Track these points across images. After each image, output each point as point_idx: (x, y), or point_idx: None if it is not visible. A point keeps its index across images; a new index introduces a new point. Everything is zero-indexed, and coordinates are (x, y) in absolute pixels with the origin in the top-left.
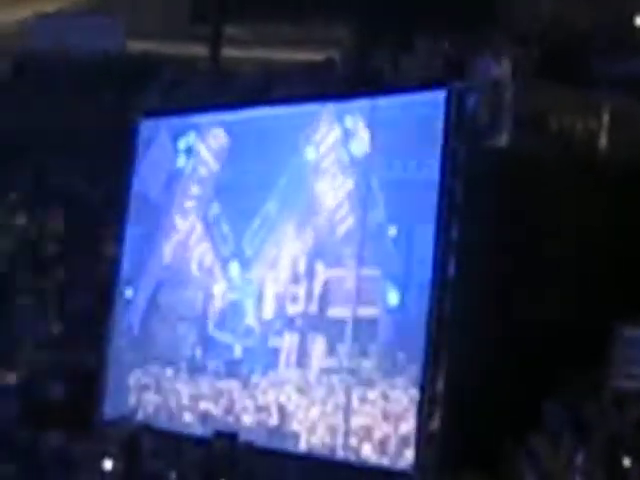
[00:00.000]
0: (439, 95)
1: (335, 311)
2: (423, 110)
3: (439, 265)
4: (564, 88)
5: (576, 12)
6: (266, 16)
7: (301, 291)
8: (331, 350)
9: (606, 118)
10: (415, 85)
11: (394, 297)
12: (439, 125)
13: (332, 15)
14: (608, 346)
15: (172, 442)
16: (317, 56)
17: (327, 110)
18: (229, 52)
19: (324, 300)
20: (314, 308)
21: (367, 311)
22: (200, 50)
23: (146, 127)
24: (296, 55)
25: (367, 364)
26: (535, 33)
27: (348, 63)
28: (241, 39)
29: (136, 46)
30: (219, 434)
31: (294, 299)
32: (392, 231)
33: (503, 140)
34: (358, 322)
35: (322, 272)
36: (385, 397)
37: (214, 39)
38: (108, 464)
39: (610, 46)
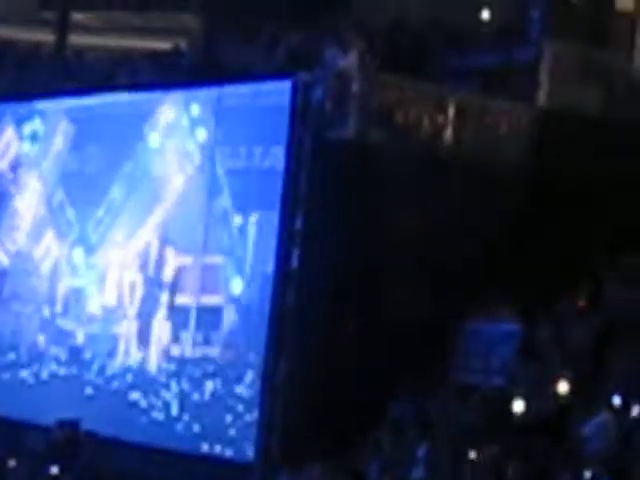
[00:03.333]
0: (285, 85)
1: (180, 299)
2: (269, 100)
3: (282, 256)
4: (410, 81)
5: (421, 6)
6: (113, 3)
7: (147, 278)
8: (175, 338)
9: (452, 111)
10: (261, 75)
11: (238, 286)
12: (285, 115)
13: (179, 4)
14: (450, 341)
15: (13, 430)
16: (164, 44)
17: (173, 97)
18: (76, 39)
19: (172, 287)
20: (162, 294)
21: (211, 299)
22: (47, 36)
23: None
24: (143, 43)
25: (211, 352)
26: (380, 27)
27: (195, 52)
28: (88, 26)
29: None
30: (61, 422)
31: (140, 286)
32: (237, 219)
33: (349, 132)
34: (202, 310)
35: (170, 259)
36: (228, 386)
37: (61, 25)
38: None
39: (456, 40)
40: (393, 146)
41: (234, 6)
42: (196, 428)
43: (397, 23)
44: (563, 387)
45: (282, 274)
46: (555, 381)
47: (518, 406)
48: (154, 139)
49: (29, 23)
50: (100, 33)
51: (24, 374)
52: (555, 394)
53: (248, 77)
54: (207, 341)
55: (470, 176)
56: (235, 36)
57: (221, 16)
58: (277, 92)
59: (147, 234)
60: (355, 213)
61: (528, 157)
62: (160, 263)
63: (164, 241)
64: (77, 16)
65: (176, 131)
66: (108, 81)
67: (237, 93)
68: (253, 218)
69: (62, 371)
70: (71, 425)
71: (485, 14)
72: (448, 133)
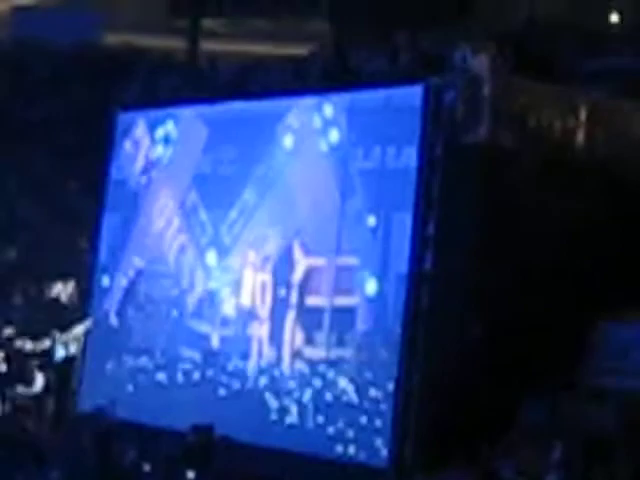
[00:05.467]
0: (417, 89)
1: (313, 300)
2: (402, 100)
3: (415, 258)
4: (542, 85)
5: (552, 9)
6: (244, 10)
7: (279, 279)
8: (309, 339)
9: (583, 115)
10: (392, 80)
11: (372, 287)
12: (418, 115)
13: (310, 10)
14: (584, 342)
15: (148, 434)
16: (295, 50)
17: (305, 99)
18: (207, 46)
19: (302, 288)
20: (293, 296)
21: (345, 300)
22: (178, 43)
23: (124, 117)
24: (273, 49)
25: (345, 354)
26: (511, 30)
27: (326, 57)
28: (219, 33)
29: (115, 38)
30: (195, 427)
31: (272, 288)
32: (370, 220)
33: (481, 135)
34: (336, 311)
35: (301, 260)
36: (362, 388)
37: (192, 32)
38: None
39: (587, 43)
40: (525, 150)
41: (364, 11)
42: (330, 430)
43: (528, 26)
44: None
45: (416, 276)
46: None
47: None
48: (287, 141)
49: (160, 31)
50: (231, 40)
51: (158, 377)
52: None
53: (379, 82)
54: (341, 342)
55: (603, 179)
56: (365, 41)
57: (351, 21)
58: (408, 96)
59: (280, 235)
60: (487, 216)
61: None
62: (293, 265)
63: (297, 242)
64: (208, 23)
65: (309, 132)
66: (240, 87)
67: (369, 95)
68: (386, 219)
69: (196, 374)
70: (206, 430)
71: (615, 16)
72: (580, 137)
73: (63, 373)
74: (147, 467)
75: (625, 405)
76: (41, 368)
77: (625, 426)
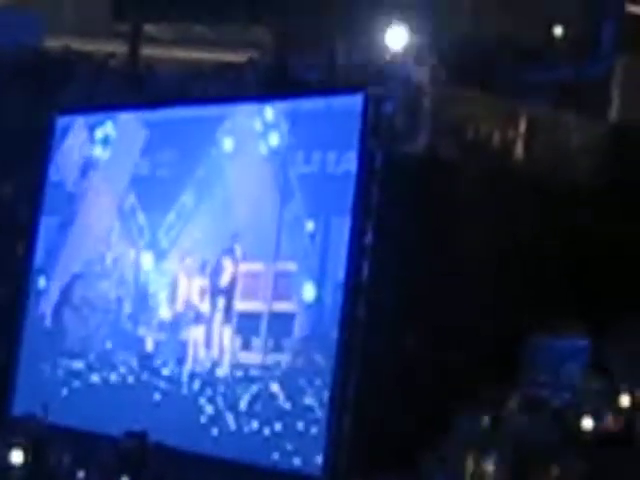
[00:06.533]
0: (357, 99)
1: (251, 305)
2: (343, 105)
3: (353, 267)
4: (482, 96)
5: (493, 22)
6: (186, 16)
7: (217, 284)
8: (246, 345)
9: (522, 127)
10: (333, 89)
11: (310, 292)
12: (358, 120)
13: (252, 17)
14: (519, 356)
15: (82, 440)
16: (236, 57)
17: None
18: (148, 51)
19: (240, 294)
20: (230, 301)
21: (283, 306)
22: (120, 48)
23: (62, 119)
24: (215, 56)
25: (282, 359)
26: (452, 42)
27: (267, 65)
28: (160, 38)
29: (56, 42)
30: (129, 433)
31: (209, 292)
32: (309, 225)
33: (420, 146)
34: (273, 317)
35: (236, 265)
36: (298, 394)
37: (133, 37)
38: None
39: (527, 55)
40: (463, 161)
41: (307, 19)
42: (265, 437)
43: (469, 37)
44: (625, 401)
45: (353, 285)
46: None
47: (587, 423)
48: (227, 144)
49: (102, 35)
50: (172, 45)
51: (93, 380)
52: (620, 409)
53: (319, 91)
54: (278, 348)
55: (540, 191)
56: (306, 49)
57: (293, 29)
58: (349, 104)
59: (218, 240)
60: (425, 225)
61: (599, 173)
62: (231, 269)
63: (235, 247)
64: (150, 28)
65: (249, 136)
66: (180, 93)
67: (311, 102)
68: (325, 224)
69: (131, 378)
70: (140, 436)
71: (557, 30)
72: (519, 148)
73: None
74: (81, 473)
75: (559, 417)
76: None
77: (559, 438)
